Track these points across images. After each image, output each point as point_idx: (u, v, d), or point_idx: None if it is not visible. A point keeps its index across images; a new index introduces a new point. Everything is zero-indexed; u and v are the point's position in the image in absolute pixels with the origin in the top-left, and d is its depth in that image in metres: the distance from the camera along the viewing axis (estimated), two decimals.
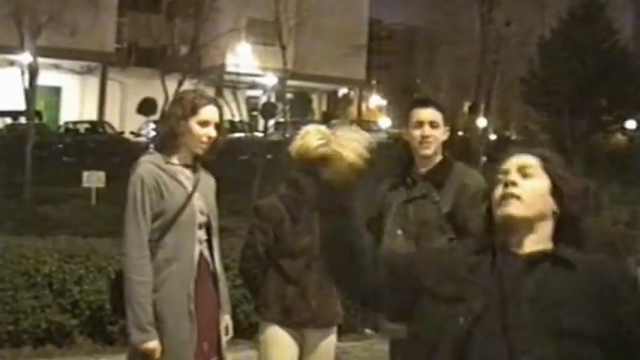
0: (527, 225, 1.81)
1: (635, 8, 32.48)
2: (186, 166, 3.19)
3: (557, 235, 1.84)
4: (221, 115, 3.25)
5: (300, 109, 35.38)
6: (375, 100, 51.75)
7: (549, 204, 1.82)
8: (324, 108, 43.26)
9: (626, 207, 14.29)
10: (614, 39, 27.58)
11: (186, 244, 3.12)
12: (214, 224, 3.26)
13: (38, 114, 25.75)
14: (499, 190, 1.84)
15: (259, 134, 22.09)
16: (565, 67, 22.60)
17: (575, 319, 1.68)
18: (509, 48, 24.74)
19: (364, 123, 38.34)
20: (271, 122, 24.60)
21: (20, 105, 19.90)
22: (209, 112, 3.18)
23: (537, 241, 1.81)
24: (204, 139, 3.15)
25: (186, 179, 3.17)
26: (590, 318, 1.69)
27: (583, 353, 1.67)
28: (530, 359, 1.66)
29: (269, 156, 15.27)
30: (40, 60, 18.23)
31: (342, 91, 43.14)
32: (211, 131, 3.16)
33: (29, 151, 16.05)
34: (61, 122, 31.64)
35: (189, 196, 3.13)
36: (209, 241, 3.23)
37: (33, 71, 17.42)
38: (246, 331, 5.33)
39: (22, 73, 17.46)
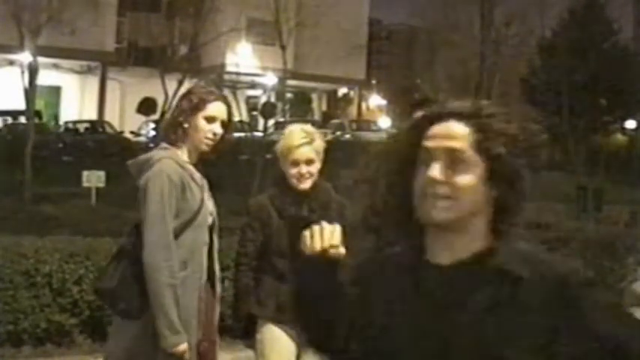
0: (459, 225, 1.42)
1: (635, 8, 32.43)
2: (194, 165, 3.13)
3: (494, 223, 1.45)
4: (229, 112, 3.17)
5: (300, 109, 35.35)
6: (375, 100, 51.76)
7: (485, 192, 1.42)
8: (324, 108, 43.25)
9: (626, 207, 14.29)
10: (614, 39, 27.56)
11: (199, 246, 3.06)
12: (217, 225, 3.24)
13: (38, 113, 25.72)
14: (422, 182, 1.43)
15: (259, 134, 22.09)
16: (565, 66, 22.58)
17: (524, 354, 1.34)
18: (509, 48, 24.72)
19: (364, 123, 38.39)
20: (271, 122, 24.58)
21: (20, 104, 19.88)
22: (216, 108, 3.09)
23: (472, 240, 1.43)
24: (210, 135, 3.06)
25: (199, 179, 3.12)
26: (542, 349, 1.33)
27: None
28: None
29: (269, 156, 15.25)
30: (40, 59, 18.20)
31: (342, 90, 43.13)
32: (217, 128, 3.08)
33: (29, 151, 16.02)
34: (61, 122, 31.62)
35: (202, 197, 3.08)
36: (210, 242, 3.20)
37: (33, 71, 17.39)
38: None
39: (22, 73, 17.45)
